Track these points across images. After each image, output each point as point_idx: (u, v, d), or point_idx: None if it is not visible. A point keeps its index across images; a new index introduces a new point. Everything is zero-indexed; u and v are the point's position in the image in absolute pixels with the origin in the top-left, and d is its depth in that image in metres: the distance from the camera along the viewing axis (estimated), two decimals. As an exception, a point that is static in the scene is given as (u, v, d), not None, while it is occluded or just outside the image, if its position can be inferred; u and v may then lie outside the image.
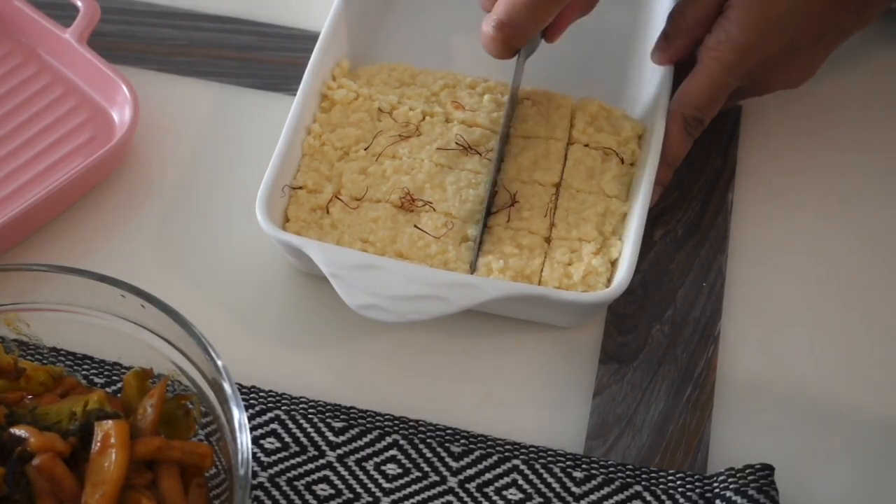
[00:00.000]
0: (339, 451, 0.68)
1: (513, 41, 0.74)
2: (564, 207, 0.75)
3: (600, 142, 0.78)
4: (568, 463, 0.68)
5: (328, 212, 0.74)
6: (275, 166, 0.73)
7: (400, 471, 0.68)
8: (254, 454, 0.67)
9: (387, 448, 0.69)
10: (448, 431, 0.69)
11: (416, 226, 0.73)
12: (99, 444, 0.58)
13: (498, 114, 0.79)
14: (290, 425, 0.69)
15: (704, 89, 0.77)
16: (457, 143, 0.77)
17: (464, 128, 0.78)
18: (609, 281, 0.72)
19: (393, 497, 0.67)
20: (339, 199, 0.75)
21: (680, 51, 0.79)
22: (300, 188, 0.75)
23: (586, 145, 0.78)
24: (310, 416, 0.69)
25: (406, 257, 0.72)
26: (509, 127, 0.78)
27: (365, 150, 0.77)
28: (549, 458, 0.69)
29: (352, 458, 0.68)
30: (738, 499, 0.66)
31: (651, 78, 0.80)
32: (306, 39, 0.83)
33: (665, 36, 0.80)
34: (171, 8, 0.88)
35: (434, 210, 0.74)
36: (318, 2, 0.85)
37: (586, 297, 0.70)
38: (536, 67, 0.83)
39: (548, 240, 0.74)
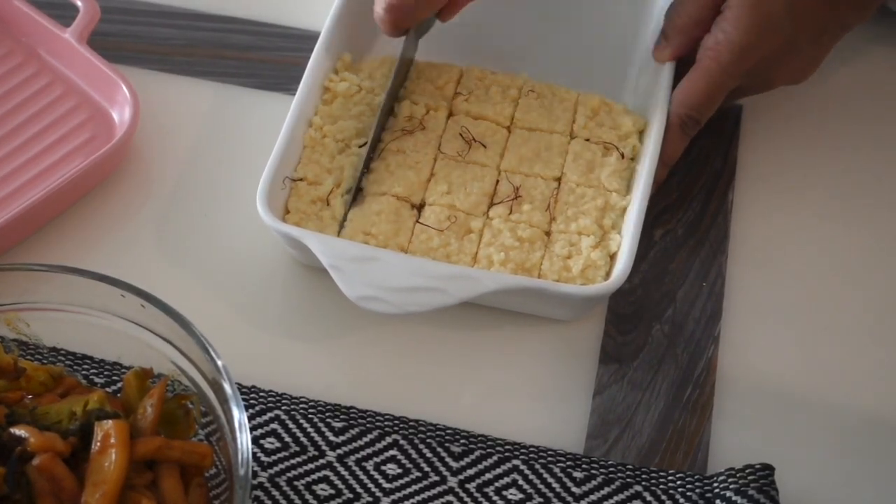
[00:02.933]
0: (339, 451, 0.68)
1: (400, 23, 0.77)
2: (564, 201, 0.75)
3: (601, 136, 0.78)
4: (568, 463, 0.68)
5: (328, 204, 0.74)
6: (276, 158, 0.73)
7: (400, 471, 0.68)
8: (254, 454, 0.67)
9: (387, 448, 0.69)
10: (448, 431, 0.69)
11: (418, 220, 0.73)
12: (99, 443, 0.58)
13: (502, 106, 0.79)
14: (290, 425, 0.69)
15: (701, 89, 0.77)
16: (461, 136, 0.77)
17: (469, 121, 0.78)
18: (608, 274, 0.72)
19: (393, 497, 0.67)
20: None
21: (679, 49, 0.79)
22: (300, 180, 0.75)
23: (587, 139, 0.78)
24: (310, 415, 0.69)
25: (408, 250, 0.72)
26: (393, 101, 0.78)
27: (361, 146, 0.77)
28: (549, 458, 0.69)
29: (352, 458, 0.68)
30: (738, 499, 0.66)
31: (653, 73, 0.80)
32: (306, 39, 0.83)
33: (664, 34, 0.80)
34: (171, 8, 0.88)
35: (438, 203, 0.74)
36: (318, 1, 0.85)
37: (585, 289, 0.70)
38: (539, 61, 0.83)
39: (547, 233, 0.74)
